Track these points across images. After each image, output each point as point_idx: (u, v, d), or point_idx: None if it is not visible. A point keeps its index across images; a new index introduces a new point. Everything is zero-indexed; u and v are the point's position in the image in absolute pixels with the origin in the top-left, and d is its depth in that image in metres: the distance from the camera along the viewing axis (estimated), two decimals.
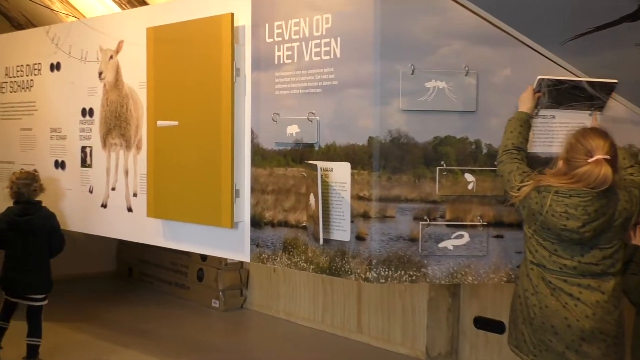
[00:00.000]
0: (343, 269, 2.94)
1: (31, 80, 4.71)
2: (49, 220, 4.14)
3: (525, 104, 2.70)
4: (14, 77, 4.85)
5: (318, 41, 3.00)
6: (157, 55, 3.67)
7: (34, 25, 5.37)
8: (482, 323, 4.38)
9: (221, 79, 3.32)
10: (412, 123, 2.84)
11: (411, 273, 2.85)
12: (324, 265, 3.00)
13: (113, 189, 4.10)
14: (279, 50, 3.16)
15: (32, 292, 4.15)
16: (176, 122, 3.55)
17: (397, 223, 2.85)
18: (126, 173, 4.00)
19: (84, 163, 4.30)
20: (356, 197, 2.89)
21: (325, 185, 2.97)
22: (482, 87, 2.79)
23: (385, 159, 2.83)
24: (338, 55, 2.93)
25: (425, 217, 2.84)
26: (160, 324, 5.57)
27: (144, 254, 6.74)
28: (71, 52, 4.37)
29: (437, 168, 2.83)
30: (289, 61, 3.12)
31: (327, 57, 2.97)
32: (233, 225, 3.32)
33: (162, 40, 3.64)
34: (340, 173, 2.94)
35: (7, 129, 4.91)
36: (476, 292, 4.40)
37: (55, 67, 4.51)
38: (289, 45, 3.11)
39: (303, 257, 3.08)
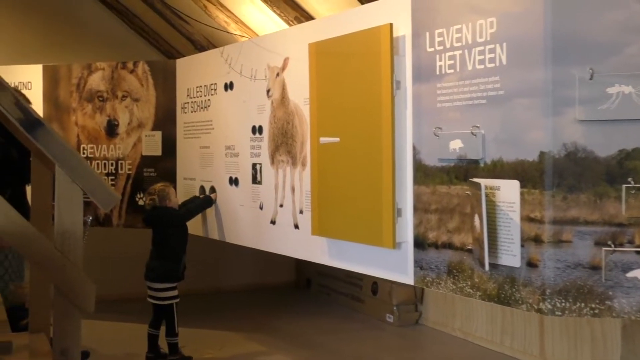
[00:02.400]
0: (513, 298, 2.66)
1: (208, 100, 4.91)
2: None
3: None
4: (194, 97, 5.09)
5: (482, 48, 2.75)
6: (319, 70, 3.62)
7: (215, 47, 5.60)
8: None
9: (381, 92, 3.18)
10: (592, 135, 2.49)
11: (593, 306, 2.50)
12: (491, 292, 2.74)
13: (281, 205, 4.12)
14: (440, 60, 2.96)
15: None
16: (337, 139, 3.47)
17: (574, 249, 2.51)
18: (293, 190, 4.00)
19: (255, 180, 4.38)
20: (526, 219, 2.60)
21: (492, 206, 2.71)
22: None
23: (560, 176, 2.51)
24: (504, 62, 2.66)
25: (609, 243, 2.48)
26: (335, 337, 5.55)
27: (322, 265, 6.76)
28: (242, 71, 4.49)
29: (624, 186, 2.46)
30: (451, 71, 2.90)
31: (492, 65, 2.71)
32: (395, 245, 3.16)
33: (323, 55, 3.59)
34: (508, 192, 2.66)
35: (189, 147, 5.17)
36: None
37: (229, 86, 4.65)
38: (451, 53, 2.90)
39: (469, 283, 2.84)
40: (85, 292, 2.85)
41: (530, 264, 2.59)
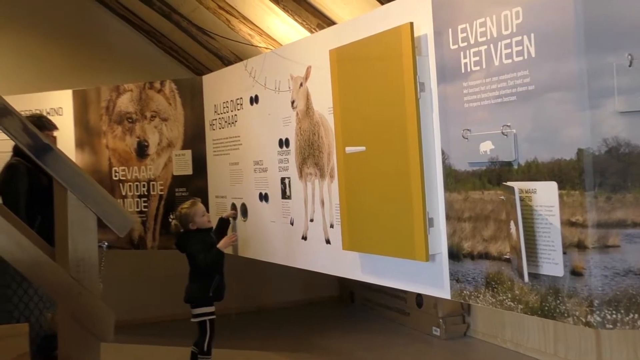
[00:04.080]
0: (558, 311, 2.43)
1: (235, 115, 4.80)
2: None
3: None
4: (222, 113, 4.99)
5: (508, 41, 2.54)
6: (341, 77, 3.46)
7: (241, 61, 5.51)
8: None
9: (405, 96, 2.99)
10: (635, 127, 2.26)
11: None
12: (534, 305, 2.51)
13: (311, 220, 3.96)
14: (464, 57, 2.76)
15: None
16: (363, 148, 3.29)
17: (623, 254, 2.28)
18: (322, 203, 3.84)
19: (284, 194, 4.23)
20: (567, 224, 2.37)
21: (529, 210, 2.49)
22: None
23: (602, 174, 2.28)
24: (533, 55, 2.45)
25: None
26: (381, 353, 5.35)
27: None
28: (266, 83, 4.36)
29: None
30: (477, 68, 2.70)
31: (520, 58, 2.50)
32: (428, 258, 2.96)
33: (344, 61, 3.42)
34: (545, 195, 2.44)
35: (219, 164, 5.07)
36: None
37: (254, 100, 4.53)
38: (476, 49, 2.69)
39: (509, 295, 2.62)
40: (103, 321, 2.74)
41: (575, 273, 2.36)
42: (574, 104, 2.33)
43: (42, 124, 4.91)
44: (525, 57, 2.47)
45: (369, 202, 3.29)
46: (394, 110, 3.06)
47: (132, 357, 5.40)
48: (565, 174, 2.36)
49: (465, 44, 2.74)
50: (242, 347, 5.52)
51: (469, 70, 2.74)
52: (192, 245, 4.47)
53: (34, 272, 2.64)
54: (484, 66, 2.67)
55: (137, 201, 5.52)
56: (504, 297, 2.64)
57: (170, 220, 5.36)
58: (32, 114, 5.21)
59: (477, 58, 2.69)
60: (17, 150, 4.83)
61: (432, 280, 3.04)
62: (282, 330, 6.28)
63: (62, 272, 2.66)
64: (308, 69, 3.89)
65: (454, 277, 2.90)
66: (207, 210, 5.20)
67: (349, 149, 3.40)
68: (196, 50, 6.32)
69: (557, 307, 2.42)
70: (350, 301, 7.07)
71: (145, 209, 5.49)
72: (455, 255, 2.88)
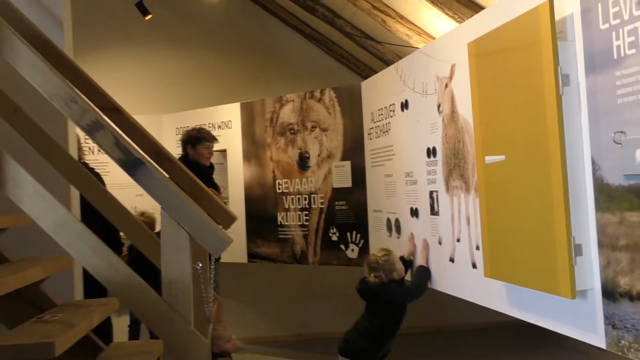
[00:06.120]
0: None
1: (388, 123, 4.42)
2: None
3: None
4: (377, 121, 4.64)
5: None
6: (479, 73, 2.94)
7: None
8: None
9: (544, 91, 2.42)
10: None
11: None
12: None
13: (458, 240, 3.45)
14: (617, 39, 2.14)
15: None
16: (503, 157, 2.75)
17: None
18: (467, 221, 3.32)
19: (432, 210, 3.77)
20: None
21: None
22: None
23: None
24: None
25: None
26: None
27: None
28: (415, 86, 3.93)
29: None
30: (632, 51, 2.07)
31: None
32: (575, 294, 2.35)
33: (482, 55, 2.90)
34: None
35: (375, 176, 4.72)
36: None
37: (404, 105, 4.12)
38: (630, 27, 2.07)
39: None
40: (196, 349, 2.54)
41: None
42: None
43: (202, 135, 4.97)
44: None
45: (511, 222, 2.74)
46: (533, 110, 2.49)
47: None
48: None
49: (618, 20, 2.12)
50: None
51: (622, 54, 2.12)
52: (390, 298, 3.83)
53: (125, 293, 2.53)
54: None
55: (299, 214, 5.37)
56: None
57: (331, 235, 5.12)
58: (193, 127, 5.31)
59: (633, 38, 2.07)
60: None
61: (583, 322, 2.41)
62: (462, 355, 5.76)
63: (153, 295, 2.51)
64: (452, 68, 3.41)
65: (610, 322, 2.26)
66: (367, 226, 4.89)
67: (488, 159, 2.87)
68: (364, 56, 6.05)
69: None
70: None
71: (307, 223, 5.32)
72: (609, 293, 2.24)
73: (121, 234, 4.37)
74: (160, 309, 2.51)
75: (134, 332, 5.35)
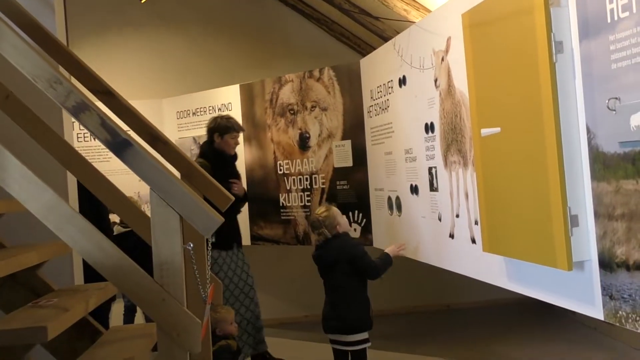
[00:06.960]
0: None
1: (387, 100, 4.36)
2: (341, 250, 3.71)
3: None
4: (376, 99, 4.58)
5: None
6: (474, 45, 2.88)
7: None
8: None
9: (538, 59, 2.36)
10: None
11: None
12: None
13: (457, 215, 3.41)
14: (610, 2, 2.07)
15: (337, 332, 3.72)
16: (498, 129, 2.70)
17: None
18: (466, 196, 3.27)
19: (432, 186, 3.72)
20: None
21: None
22: None
23: None
24: None
25: None
26: None
27: None
28: (412, 62, 3.87)
29: None
30: (626, 14, 2.00)
31: None
32: (572, 266, 2.30)
33: (476, 26, 2.84)
34: None
35: (375, 154, 4.67)
36: None
37: (402, 81, 4.06)
38: None
39: None
40: (189, 330, 2.51)
41: None
42: None
43: (231, 125, 4.76)
44: None
45: (508, 195, 2.69)
46: (527, 80, 2.44)
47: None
48: None
49: None
50: (420, 351, 5.10)
51: (615, 18, 2.05)
52: (351, 250, 3.71)
53: (116, 276, 2.50)
54: (634, 10, 1.97)
55: (301, 195, 5.33)
56: None
57: None
58: (220, 114, 5.14)
59: (626, 0, 2.00)
60: (202, 150, 4.84)
61: (581, 294, 2.37)
62: (466, 333, 5.73)
63: (145, 277, 2.48)
64: (448, 41, 3.35)
65: (607, 293, 2.21)
66: (369, 205, 4.84)
67: (484, 131, 2.82)
68: (365, 34, 5.97)
69: None
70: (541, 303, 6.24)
71: (309, 204, 5.28)
72: (606, 264, 2.20)
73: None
74: (152, 290, 2.49)
75: (128, 317, 5.37)
